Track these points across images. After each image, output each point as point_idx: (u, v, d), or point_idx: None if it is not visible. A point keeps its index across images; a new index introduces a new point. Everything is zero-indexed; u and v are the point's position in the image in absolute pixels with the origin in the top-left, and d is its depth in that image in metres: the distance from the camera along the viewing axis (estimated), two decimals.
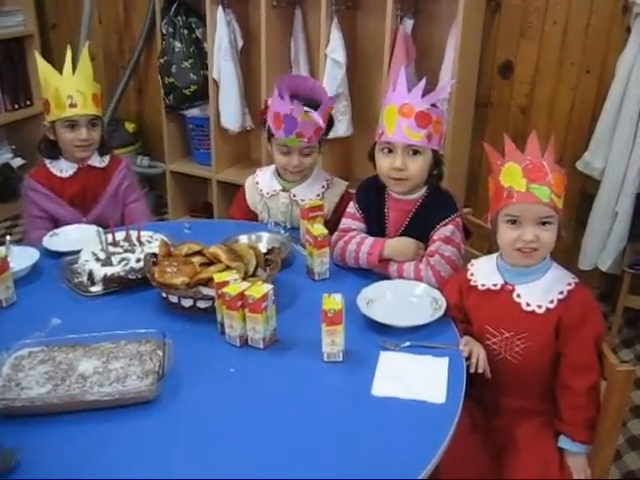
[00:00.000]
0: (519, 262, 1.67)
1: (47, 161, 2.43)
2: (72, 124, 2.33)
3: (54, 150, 2.41)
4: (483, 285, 1.73)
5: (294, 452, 1.36)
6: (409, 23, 2.97)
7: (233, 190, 3.41)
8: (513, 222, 1.63)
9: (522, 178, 1.60)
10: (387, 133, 1.88)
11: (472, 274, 1.77)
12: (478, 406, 1.76)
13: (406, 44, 2.95)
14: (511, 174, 1.62)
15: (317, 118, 2.11)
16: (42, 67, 2.33)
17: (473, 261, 1.82)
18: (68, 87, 2.29)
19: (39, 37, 3.90)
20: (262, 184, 2.33)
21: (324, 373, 1.59)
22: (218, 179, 3.54)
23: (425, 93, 1.88)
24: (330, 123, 2.28)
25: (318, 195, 2.26)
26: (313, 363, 1.60)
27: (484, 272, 1.75)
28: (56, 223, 2.37)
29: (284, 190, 2.29)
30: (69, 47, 2.38)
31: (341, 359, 1.60)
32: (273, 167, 2.34)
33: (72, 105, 2.29)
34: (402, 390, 1.51)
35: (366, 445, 1.38)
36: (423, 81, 1.89)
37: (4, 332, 1.73)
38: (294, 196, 2.27)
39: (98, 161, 2.46)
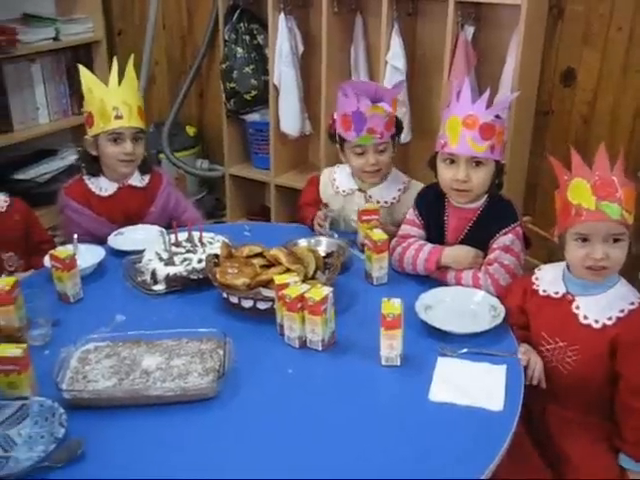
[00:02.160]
0: (588, 278, 1.66)
1: (86, 177, 2.36)
2: (116, 137, 2.26)
3: (94, 166, 2.34)
4: (545, 291, 1.72)
5: (350, 454, 1.38)
6: (470, 30, 2.96)
7: (291, 194, 3.46)
8: (583, 240, 1.61)
9: (591, 195, 1.57)
10: (450, 145, 1.88)
11: (537, 278, 1.76)
12: (524, 411, 1.74)
13: (466, 51, 2.93)
14: (579, 191, 1.59)
15: (385, 106, 2.10)
16: (86, 78, 2.29)
17: (541, 266, 1.81)
18: (114, 98, 2.23)
19: (106, 43, 4.01)
20: (339, 180, 2.33)
21: (381, 377, 1.60)
22: (276, 183, 3.57)
23: (488, 103, 1.87)
24: (399, 127, 2.28)
25: (394, 198, 2.25)
26: (371, 367, 1.61)
27: (548, 279, 1.74)
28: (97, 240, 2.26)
29: (360, 190, 2.28)
30: (115, 58, 2.34)
31: (399, 363, 1.61)
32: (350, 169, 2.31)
33: (118, 117, 2.23)
34: (459, 396, 1.52)
35: (422, 449, 1.39)
36: (487, 92, 1.89)
37: (71, 326, 1.79)
38: (370, 197, 2.26)
39: (139, 180, 2.38)
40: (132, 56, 2.35)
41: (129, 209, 2.36)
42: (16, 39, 3.54)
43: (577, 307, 1.67)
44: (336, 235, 2.19)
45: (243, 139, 3.79)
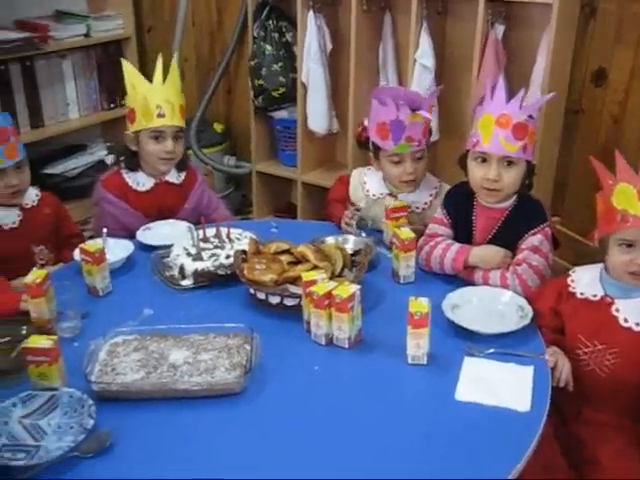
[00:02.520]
0: (630, 283, 1.64)
1: (124, 171, 2.39)
2: (158, 135, 2.28)
3: (133, 161, 2.36)
4: (582, 294, 1.71)
5: (375, 452, 1.38)
6: (500, 29, 2.94)
7: (318, 192, 3.46)
8: (628, 245, 1.60)
9: (638, 201, 1.54)
10: (483, 143, 1.87)
11: (573, 280, 1.75)
12: (557, 414, 1.73)
13: (496, 50, 2.91)
14: (625, 196, 1.56)
15: (425, 114, 2.09)
16: (130, 74, 2.29)
17: (576, 268, 1.79)
18: (157, 96, 2.24)
19: (136, 40, 4.04)
20: (370, 184, 2.31)
21: (408, 375, 1.60)
22: (303, 180, 3.57)
23: (521, 102, 1.86)
24: (429, 131, 2.27)
25: (426, 203, 2.24)
26: (397, 365, 1.61)
27: (585, 281, 1.72)
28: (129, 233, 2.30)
29: (391, 195, 2.26)
30: (160, 55, 2.34)
31: (425, 362, 1.61)
32: (382, 173, 2.30)
33: (160, 115, 2.24)
34: (486, 396, 1.51)
35: (449, 448, 1.38)
36: (522, 92, 1.87)
37: (100, 319, 1.81)
38: (387, 205, 2.22)
39: (175, 177, 2.41)
40: (176, 54, 2.41)
41: (163, 205, 2.39)
42: (48, 35, 3.59)
43: (617, 310, 1.65)
44: (364, 234, 2.19)
45: (270, 136, 3.80)
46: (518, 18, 3.00)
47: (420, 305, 1.58)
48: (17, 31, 3.55)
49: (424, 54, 3.06)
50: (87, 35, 3.82)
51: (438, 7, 3.12)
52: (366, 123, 2.28)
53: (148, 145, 2.30)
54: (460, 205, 2.03)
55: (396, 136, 2.12)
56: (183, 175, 2.44)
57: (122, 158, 2.38)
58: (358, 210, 2.24)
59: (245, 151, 3.96)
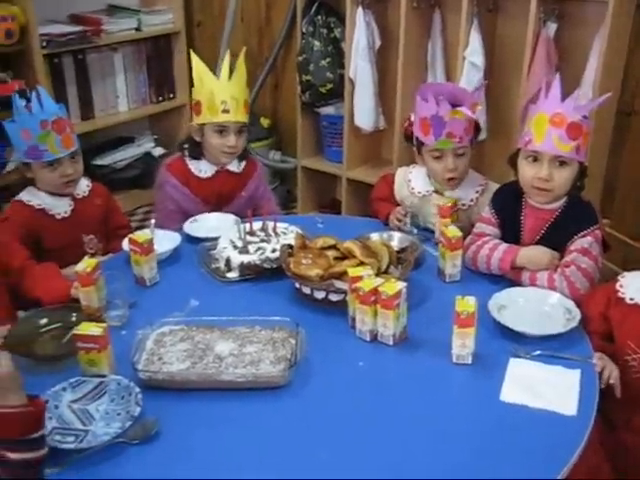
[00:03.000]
0: None
1: (187, 158, 2.44)
2: (222, 129, 2.33)
3: (197, 150, 2.42)
4: (632, 299, 1.67)
5: (417, 449, 1.38)
6: (552, 27, 2.89)
7: (363, 188, 3.46)
8: None
9: None
10: (535, 142, 1.85)
11: (622, 285, 1.71)
12: (604, 420, 1.70)
13: (548, 48, 2.87)
14: None
15: (465, 111, 2.07)
16: (198, 68, 2.33)
17: (625, 273, 1.75)
18: (223, 92, 2.28)
19: (185, 34, 4.08)
20: (415, 182, 2.30)
21: (452, 374, 1.59)
22: (348, 177, 3.58)
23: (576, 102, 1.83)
24: (477, 128, 2.25)
25: (472, 200, 2.22)
26: (441, 363, 1.61)
27: (635, 286, 1.69)
28: (186, 218, 2.36)
29: (437, 192, 2.25)
30: (229, 52, 2.37)
31: (470, 362, 1.60)
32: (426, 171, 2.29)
33: (225, 111, 2.29)
34: (532, 398, 1.50)
35: (492, 449, 1.37)
36: (577, 91, 1.84)
37: (147, 309, 1.84)
38: (437, 199, 2.22)
39: (236, 166, 2.46)
40: (244, 49, 2.42)
41: (222, 192, 2.45)
42: (101, 29, 3.66)
43: None
44: (416, 231, 2.18)
45: (316, 132, 3.81)
46: (571, 16, 2.95)
47: (467, 304, 1.57)
48: (71, 25, 3.64)
49: (474, 52, 3.03)
50: (138, 29, 3.89)
51: (489, 4, 3.09)
52: (412, 118, 2.27)
53: (212, 138, 2.36)
54: (509, 205, 2.01)
55: (437, 131, 2.11)
56: (243, 164, 2.49)
57: (186, 146, 2.44)
58: (410, 207, 2.23)
59: (291, 146, 3.97)
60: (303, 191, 3.88)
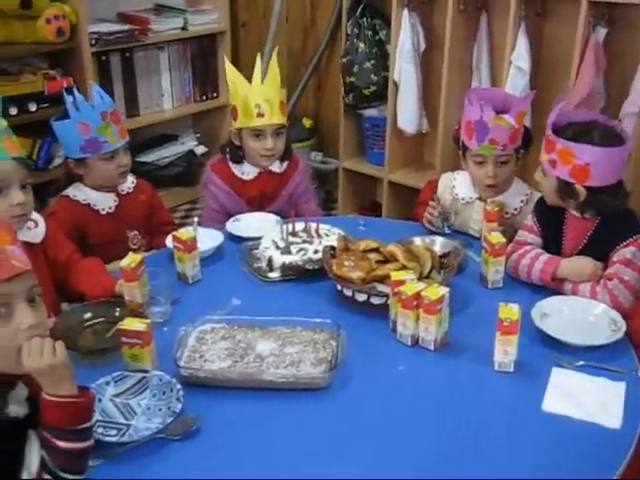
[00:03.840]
0: None
1: (229, 162, 2.46)
2: (258, 133, 2.34)
3: (238, 154, 2.43)
4: None
5: (457, 456, 1.37)
6: (602, 32, 2.85)
7: (404, 191, 3.45)
8: None
9: None
10: None
11: None
12: None
13: (596, 54, 2.83)
14: None
15: (508, 118, 2.05)
16: (231, 74, 2.35)
17: None
18: (256, 96, 2.29)
19: (230, 34, 4.11)
20: (458, 188, 2.27)
21: (493, 382, 1.58)
22: (389, 180, 3.56)
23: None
24: (528, 137, 2.22)
25: (516, 209, 2.19)
26: (483, 370, 1.59)
27: None
28: (230, 217, 2.39)
29: (481, 199, 2.22)
30: (259, 55, 2.39)
31: (512, 370, 1.58)
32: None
33: (260, 115, 2.30)
34: (574, 409, 1.48)
35: (533, 459, 1.36)
36: None
37: (189, 306, 1.86)
38: (485, 203, 2.18)
39: (277, 166, 2.46)
40: (276, 49, 2.44)
41: (265, 192, 2.47)
42: (148, 28, 3.71)
43: None
44: (447, 227, 2.16)
45: (359, 134, 3.81)
46: (622, 21, 2.90)
47: (510, 311, 1.55)
48: (119, 23, 3.70)
49: (520, 56, 3.00)
50: (184, 28, 3.94)
51: (537, 8, 3.06)
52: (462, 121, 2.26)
53: (249, 142, 2.38)
54: (551, 214, 1.98)
55: (480, 137, 2.09)
56: (285, 165, 2.49)
57: (228, 150, 2.46)
58: (439, 201, 2.22)
59: (332, 147, 3.98)
60: (343, 193, 3.88)
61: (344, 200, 3.89)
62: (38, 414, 1.21)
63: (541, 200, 2.06)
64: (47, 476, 1.18)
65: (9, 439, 1.17)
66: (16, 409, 1.19)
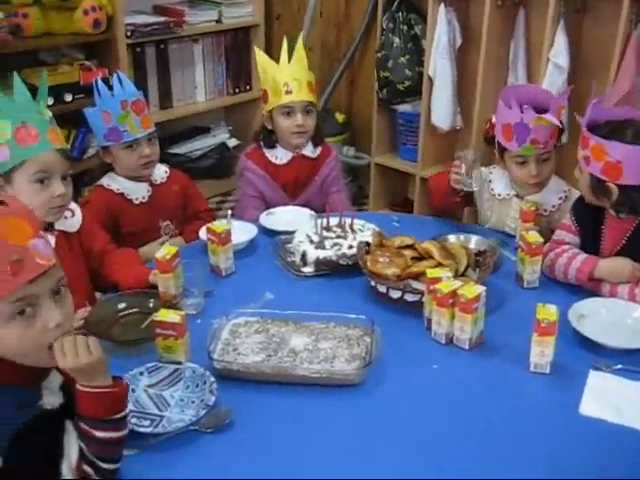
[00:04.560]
0: None
1: (263, 148, 2.51)
2: (288, 111, 2.40)
3: (271, 138, 2.49)
4: None
5: (491, 458, 1.35)
6: None
7: None
8: None
9: None
10: None
11: None
12: None
13: (637, 51, 2.78)
14: None
15: (551, 118, 2.01)
16: (260, 58, 2.45)
17: None
18: (284, 75, 2.37)
19: (264, 27, 4.11)
20: (495, 184, 2.25)
21: (529, 383, 1.56)
22: (422, 176, 3.53)
23: None
24: (561, 130, 2.19)
25: (554, 206, 2.16)
26: (518, 371, 1.57)
27: None
28: (266, 204, 2.47)
29: (518, 196, 2.19)
30: (285, 38, 2.47)
31: (548, 371, 1.56)
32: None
33: (288, 92, 2.37)
34: (612, 414, 1.45)
35: (568, 463, 1.34)
36: None
37: (222, 299, 1.86)
38: (520, 203, 2.15)
39: (311, 151, 2.51)
40: (301, 34, 2.53)
41: (298, 177, 2.52)
42: (183, 20, 3.72)
43: None
44: (475, 184, 2.13)
45: (392, 129, 3.79)
46: None
47: (548, 312, 1.53)
48: (155, 15, 3.71)
49: (558, 53, 2.97)
50: (218, 21, 3.95)
51: (577, 4, 3.01)
52: (493, 120, 2.22)
53: (280, 121, 2.43)
54: (590, 213, 1.94)
55: (521, 138, 2.05)
56: (318, 150, 2.54)
57: (261, 137, 2.51)
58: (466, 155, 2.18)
59: (364, 142, 3.96)
60: (375, 188, 3.87)
61: (375, 196, 3.88)
62: (73, 402, 1.21)
63: (580, 199, 2.02)
64: (86, 467, 1.19)
65: (47, 432, 1.17)
66: (51, 400, 1.20)
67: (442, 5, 3.28)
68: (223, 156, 4.09)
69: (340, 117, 4.02)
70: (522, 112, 2.02)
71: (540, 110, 2.03)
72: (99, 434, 1.19)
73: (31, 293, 1.12)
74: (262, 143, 2.50)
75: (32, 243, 1.12)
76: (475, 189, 2.17)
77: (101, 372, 1.20)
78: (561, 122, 2.17)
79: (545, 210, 2.15)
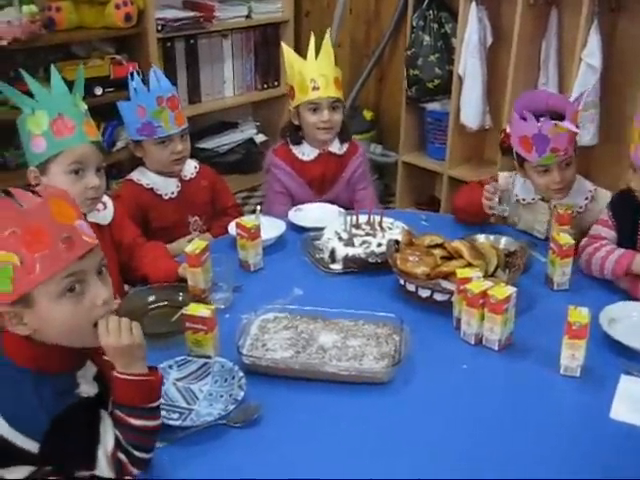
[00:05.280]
0: None
1: (290, 144, 2.52)
2: (315, 107, 2.40)
3: (298, 135, 2.50)
4: None
5: (519, 460, 1.34)
6: None
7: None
8: None
9: None
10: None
11: None
12: None
13: None
14: None
15: (569, 126, 1.97)
16: (288, 54, 2.46)
17: None
18: (311, 71, 2.38)
19: (293, 23, 4.11)
20: (518, 187, 2.22)
21: (559, 386, 1.54)
22: (450, 175, 3.52)
23: None
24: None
25: (581, 207, 2.12)
26: (548, 374, 1.56)
27: None
28: (293, 200, 2.48)
29: (543, 200, 2.16)
30: (312, 34, 2.47)
31: (578, 374, 1.54)
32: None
33: (315, 88, 2.37)
34: None
35: (598, 468, 1.32)
36: None
37: (251, 294, 1.86)
38: (554, 207, 2.11)
39: (337, 148, 2.52)
40: (328, 30, 2.54)
41: (325, 174, 2.53)
42: (213, 16, 3.73)
43: None
44: (507, 210, 2.12)
45: (420, 127, 3.77)
46: None
47: (580, 315, 1.51)
48: (185, 10, 3.73)
49: (591, 53, 2.93)
50: (248, 16, 3.96)
51: (612, 4, 2.97)
52: (508, 130, 2.18)
53: (307, 117, 2.43)
54: (628, 209, 1.93)
55: (540, 149, 2.00)
56: (345, 147, 2.55)
57: (288, 133, 2.52)
58: (499, 186, 2.15)
59: (392, 140, 3.94)
60: (402, 186, 3.85)
61: (402, 194, 3.87)
62: (107, 392, 1.23)
63: (618, 195, 2.01)
64: (121, 455, 1.20)
65: (84, 419, 1.18)
66: (87, 389, 1.21)
67: (473, 3, 3.26)
68: (250, 151, 4.10)
69: (368, 114, 4.01)
70: (538, 122, 1.99)
71: (555, 116, 2.00)
72: (135, 422, 1.20)
73: (81, 269, 1.16)
74: (289, 139, 2.51)
75: (78, 223, 1.18)
76: (507, 215, 2.15)
77: (139, 358, 1.22)
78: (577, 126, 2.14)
79: (572, 212, 2.12)
